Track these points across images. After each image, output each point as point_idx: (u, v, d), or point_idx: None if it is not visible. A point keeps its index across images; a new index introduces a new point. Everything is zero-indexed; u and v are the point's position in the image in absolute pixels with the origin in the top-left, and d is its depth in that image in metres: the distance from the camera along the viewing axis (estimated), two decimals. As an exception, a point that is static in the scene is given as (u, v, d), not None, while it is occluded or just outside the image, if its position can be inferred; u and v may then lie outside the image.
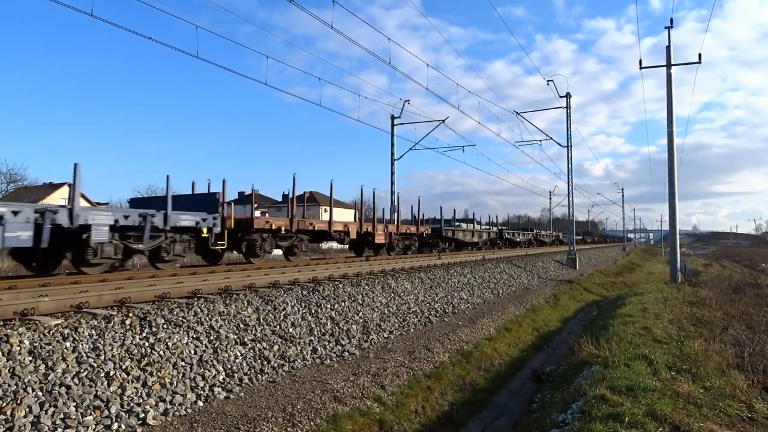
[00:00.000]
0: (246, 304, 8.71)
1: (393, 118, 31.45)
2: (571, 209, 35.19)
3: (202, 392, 6.21)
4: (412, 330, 11.16)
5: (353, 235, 19.33)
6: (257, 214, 16.85)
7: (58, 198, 39.76)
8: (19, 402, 4.86)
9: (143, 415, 5.39)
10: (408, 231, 23.82)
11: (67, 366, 5.56)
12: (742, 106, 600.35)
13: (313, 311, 9.69)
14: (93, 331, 6.25)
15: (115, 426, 5.12)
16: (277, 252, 19.16)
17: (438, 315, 12.88)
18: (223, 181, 14.22)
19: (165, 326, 7.03)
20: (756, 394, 6.95)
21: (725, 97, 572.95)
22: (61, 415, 4.93)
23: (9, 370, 5.17)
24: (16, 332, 5.67)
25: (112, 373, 5.74)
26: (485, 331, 12.50)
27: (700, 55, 21.72)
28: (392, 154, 31.60)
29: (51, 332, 5.92)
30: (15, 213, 8.69)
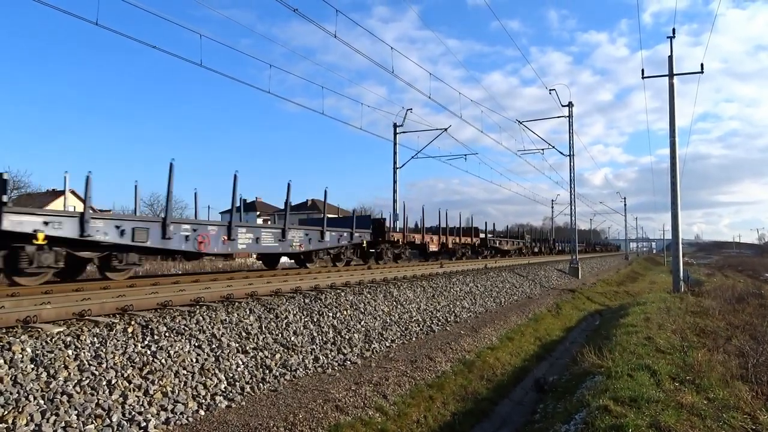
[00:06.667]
0: (248, 312, 8.70)
1: (395, 126, 31.57)
2: (573, 218, 35.17)
3: (203, 401, 6.19)
4: (414, 339, 11.12)
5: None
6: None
7: (60, 205, 39.86)
8: (20, 410, 4.85)
9: (145, 423, 5.37)
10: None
11: (69, 374, 5.55)
12: (737, 117, 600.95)
13: (315, 319, 9.67)
14: (95, 339, 6.25)
15: (117, 435, 5.11)
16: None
17: (440, 324, 12.84)
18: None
19: (167, 334, 7.03)
20: (760, 406, 6.90)
21: (720, 108, 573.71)
22: (63, 424, 4.92)
23: (11, 378, 5.16)
24: (18, 340, 5.67)
25: (113, 382, 5.73)
26: (487, 341, 12.46)
27: (702, 65, 21.88)
28: (395, 162, 31.67)
29: (53, 340, 5.93)
30: None
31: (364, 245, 19.37)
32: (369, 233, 19.46)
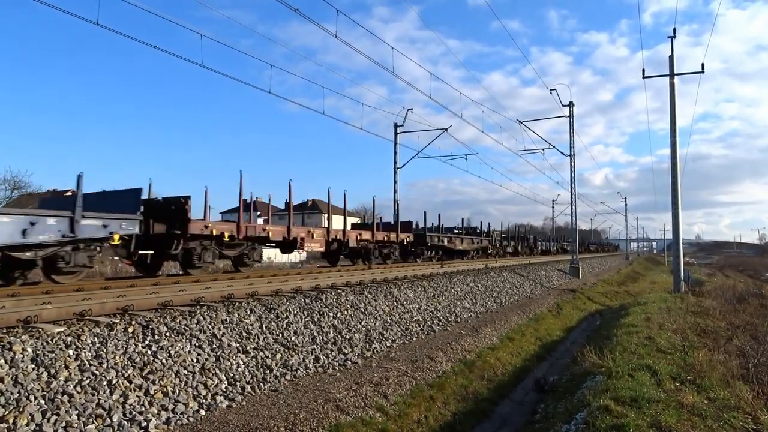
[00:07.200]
0: (249, 312, 8.70)
1: (396, 126, 31.57)
2: (574, 218, 35.17)
3: (204, 401, 6.19)
4: (414, 339, 11.12)
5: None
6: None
7: (61, 205, 39.78)
8: (21, 410, 4.85)
9: (145, 423, 5.37)
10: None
11: (70, 374, 5.55)
12: (738, 117, 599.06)
13: (315, 319, 9.67)
14: (96, 339, 6.25)
15: (117, 435, 5.11)
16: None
17: (441, 324, 12.84)
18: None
19: (167, 334, 7.03)
20: (761, 406, 6.90)
21: (720, 108, 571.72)
22: (63, 424, 4.92)
23: (12, 378, 5.17)
24: (19, 340, 5.67)
25: (114, 382, 5.73)
26: (488, 341, 12.45)
27: (702, 65, 21.90)
28: (395, 162, 31.67)
29: (54, 340, 5.93)
30: None
31: (117, 242, 10.96)
32: (137, 221, 11.02)
